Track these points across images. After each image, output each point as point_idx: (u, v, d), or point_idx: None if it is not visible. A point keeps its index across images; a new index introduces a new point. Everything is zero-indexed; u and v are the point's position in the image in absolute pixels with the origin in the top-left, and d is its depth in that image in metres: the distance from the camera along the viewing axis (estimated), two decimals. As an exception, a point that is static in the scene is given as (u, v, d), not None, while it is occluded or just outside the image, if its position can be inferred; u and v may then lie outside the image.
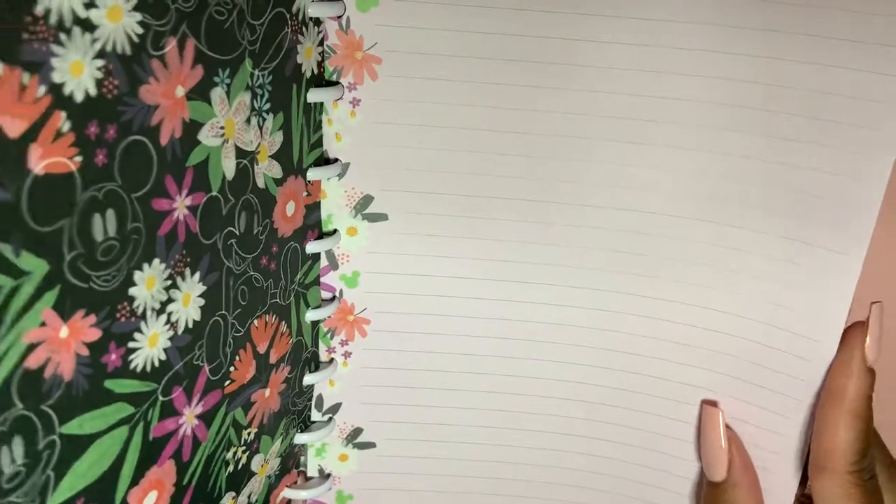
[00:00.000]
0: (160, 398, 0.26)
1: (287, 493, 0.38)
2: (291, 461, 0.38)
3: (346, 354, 0.37)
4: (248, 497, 0.34)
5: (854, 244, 0.31)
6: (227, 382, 0.30)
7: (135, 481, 0.26)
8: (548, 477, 0.39)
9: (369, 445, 0.39)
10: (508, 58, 0.32)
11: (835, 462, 0.30)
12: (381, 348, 0.37)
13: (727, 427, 0.34)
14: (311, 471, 0.39)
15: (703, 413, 0.35)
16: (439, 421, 0.38)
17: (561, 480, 0.39)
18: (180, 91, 0.25)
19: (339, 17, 0.32)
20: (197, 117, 0.26)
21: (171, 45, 0.24)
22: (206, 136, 0.27)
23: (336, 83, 0.33)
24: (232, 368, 0.30)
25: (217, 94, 0.27)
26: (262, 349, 0.32)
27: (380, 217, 0.35)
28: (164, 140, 0.25)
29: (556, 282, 0.35)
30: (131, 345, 0.25)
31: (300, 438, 0.37)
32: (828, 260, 0.31)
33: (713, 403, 0.35)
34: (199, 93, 0.26)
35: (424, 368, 0.37)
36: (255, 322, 0.31)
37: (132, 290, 0.24)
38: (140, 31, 0.23)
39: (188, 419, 0.28)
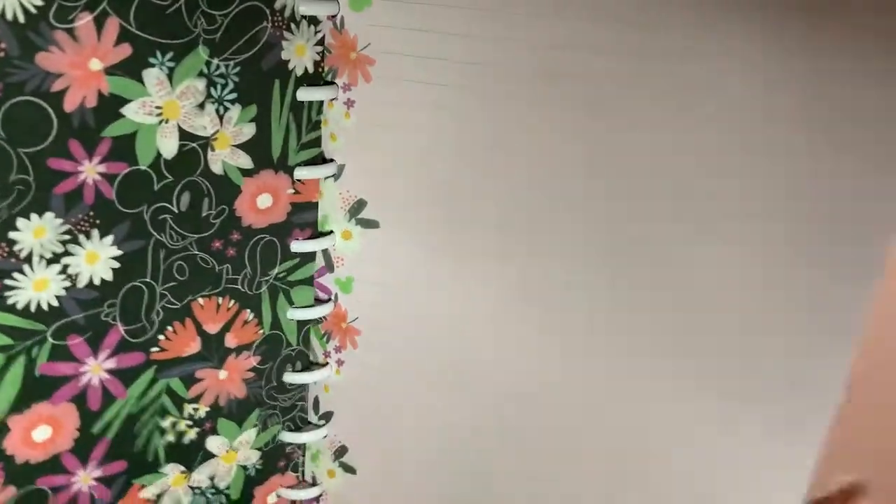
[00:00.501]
0: (50, 340, 0.29)
1: (281, 491, 0.38)
2: (283, 461, 0.38)
3: (340, 363, 0.37)
4: (212, 479, 0.36)
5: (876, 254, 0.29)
6: (155, 349, 0.32)
7: (17, 408, 0.29)
8: (545, 491, 0.36)
9: (351, 470, 0.39)
10: (500, 64, 0.31)
11: None
12: (369, 365, 0.37)
13: None
14: (308, 475, 0.40)
15: None
16: (421, 449, 0.37)
17: (557, 495, 0.36)
18: (96, 64, 0.27)
19: (334, 16, 0.32)
20: (120, 92, 0.28)
21: (84, 19, 0.26)
22: (135, 113, 0.28)
23: (331, 83, 0.33)
24: (161, 337, 0.32)
25: (152, 74, 0.28)
26: (210, 329, 0.33)
27: (372, 224, 0.35)
28: (69, 107, 0.27)
29: (550, 291, 0.33)
30: (9, 282, 0.27)
31: (286, 437, 0.37)
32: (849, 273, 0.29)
33: None
34: (125, 69, 0.27)
35: (409, 391, 0.36)
36: (200, 300, 0.32)
37: (13, 234, 0.27)
38: (38, 3, 0.25)
39: (93, 370, 0.30)
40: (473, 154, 0.32)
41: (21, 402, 0.29)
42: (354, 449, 0.38)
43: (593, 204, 0.32)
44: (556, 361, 0.34)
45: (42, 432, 0.30)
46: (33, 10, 0.25)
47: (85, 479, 0.31)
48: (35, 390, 0.29)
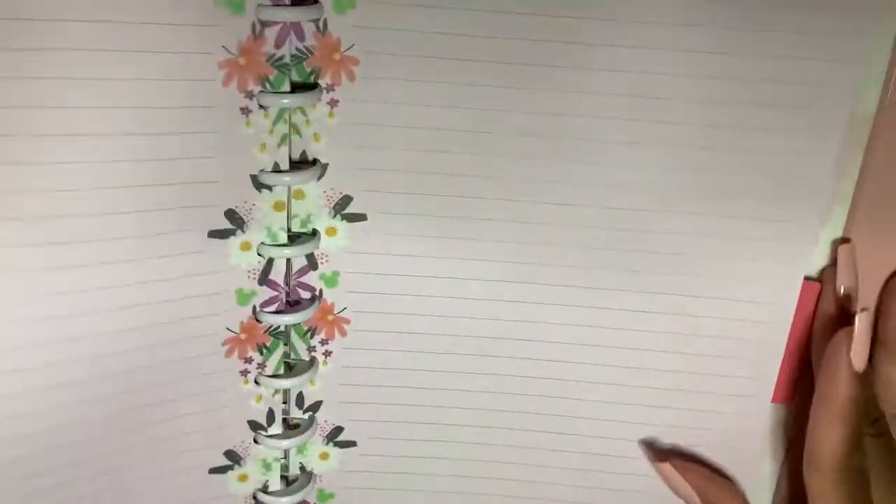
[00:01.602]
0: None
1: (265, 499, 0.39)
2: None
3: (327, 353, 0.37)
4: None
5: (809, 214, 0.34)
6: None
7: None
8: (531, 476, 0.39)
9: (350, 444, 0.39)
10: (487, 59, 0.32)
11: (821, 462, 0.33)
12: (362, 347, 0.37)
13: (685, 467, 0.37)
14: (293, 468, 0.40)
15: (659, 471, 0.38)
16: (421, 420, 0.38)
17: (544, 479, 0.39)
18: None
19: (316, 19, 0.32)
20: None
21: None
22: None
23: (314, 85, 0.33)
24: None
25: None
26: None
27: (359, 217, 0.35)
28: None
29: (536, 280, 0.36)
30: None
31: (284, 444, 0.38)
32: (787, 233, 0.35)
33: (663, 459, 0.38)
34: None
35: (405, 367, 0.38)
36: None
37: None
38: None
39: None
40: (458, 144, 0.34)
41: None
42: (351, 425, 0.39)
43: (585, 192, 0.34)
44: (533, 345, 0.37)
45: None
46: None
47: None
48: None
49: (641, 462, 0.39)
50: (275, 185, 0.34)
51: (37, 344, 0.32)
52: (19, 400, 0.32)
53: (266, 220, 0.34)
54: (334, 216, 0.35)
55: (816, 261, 0.35)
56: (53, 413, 0.33)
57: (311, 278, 0.36)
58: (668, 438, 0.38)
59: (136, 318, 0.33)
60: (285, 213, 0.35)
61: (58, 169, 0.30)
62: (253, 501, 0.39)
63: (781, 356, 0.37)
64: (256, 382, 0.37)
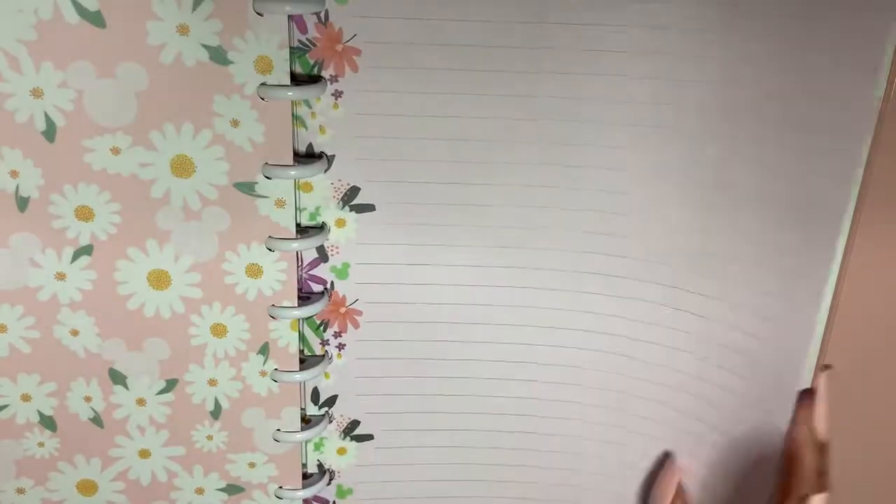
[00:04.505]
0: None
1: (285, 493, 0.39)
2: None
3: (340, 346, 0.37)
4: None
5: (829, 238, 0.31)
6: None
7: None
8: (545, 461, 0.39)
9: (367, 438, 0.39)
10: (486, 45, 0.32)
11: None
12: (375, 339, 0.37)
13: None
14: (311, 466, 0.40)
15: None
16: (435, 409, 0.38)
17: (558, 464, 0.39)
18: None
19: (318, 11, 0.32)
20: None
21: None
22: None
23: (318, 77, 0.33)
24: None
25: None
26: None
27: (367, 208, 0.35)
28: None
29: (545, 266, 0.36)
30: None
31: (298, 437, 0.38)
32: (807, 246, 0.32)
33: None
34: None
35: (418, 357, 0.37)
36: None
37: None
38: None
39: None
40: (464, 131, 0.33)
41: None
42: (367, 419, 0.39)
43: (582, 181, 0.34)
44: (543, 332, 0.37)
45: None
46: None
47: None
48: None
49: (651, 445, 0.39)
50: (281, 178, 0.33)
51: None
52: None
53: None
54: (342, 207, 0.35)
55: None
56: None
57: (323, 270, 0.36)
58: (671, 436, 0.38)
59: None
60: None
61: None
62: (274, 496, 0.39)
63: (804, 370, 0.33)
64: (273, 379, 0.37)
